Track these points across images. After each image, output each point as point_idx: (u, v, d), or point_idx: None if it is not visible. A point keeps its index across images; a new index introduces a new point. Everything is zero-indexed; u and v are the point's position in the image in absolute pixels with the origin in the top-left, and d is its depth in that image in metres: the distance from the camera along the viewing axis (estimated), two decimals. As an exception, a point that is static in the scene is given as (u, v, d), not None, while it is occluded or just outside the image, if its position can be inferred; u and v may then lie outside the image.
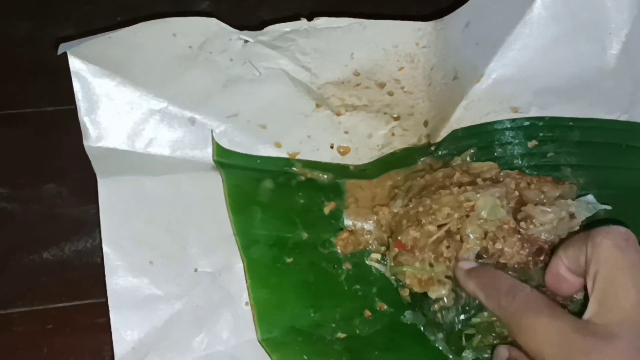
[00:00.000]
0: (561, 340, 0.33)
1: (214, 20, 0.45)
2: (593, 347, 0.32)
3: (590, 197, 0.49)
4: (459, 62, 0.49)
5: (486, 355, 0.45)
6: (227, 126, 0.48)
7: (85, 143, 0.46)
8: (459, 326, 0.46)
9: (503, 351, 0.41)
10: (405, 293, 0.48)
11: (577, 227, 0.46)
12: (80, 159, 0.47)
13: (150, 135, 0.47)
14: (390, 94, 0.49)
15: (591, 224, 0.46)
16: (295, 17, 0.45)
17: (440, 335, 0.47)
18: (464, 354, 0.46)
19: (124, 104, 0.47)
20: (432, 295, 0.46)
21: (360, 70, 0.48)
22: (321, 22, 0.45)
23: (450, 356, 0.46)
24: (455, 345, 0.46)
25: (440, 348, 0.46)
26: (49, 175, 0.53)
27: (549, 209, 0.45)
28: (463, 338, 0.45)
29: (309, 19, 0.45)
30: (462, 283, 0.43)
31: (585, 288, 0.37)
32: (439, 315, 0.47)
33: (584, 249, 0.37)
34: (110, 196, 0.44)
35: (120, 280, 0.43)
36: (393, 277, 0.48)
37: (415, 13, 0.51)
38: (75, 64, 0.45)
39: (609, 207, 0.49)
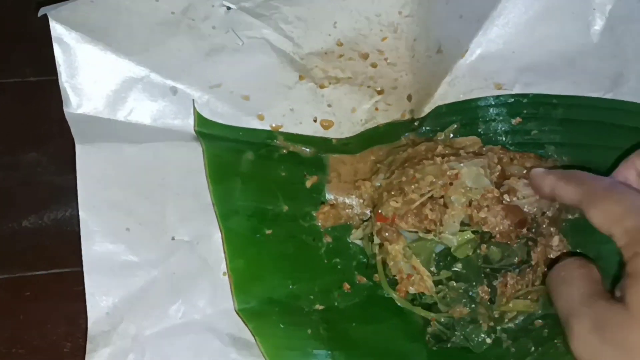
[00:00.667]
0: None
1: None
2: None
3: None
4: (442, 34, 0.49)
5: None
6: (209, 96, 0.48)
7: (65, 109, 0.46)
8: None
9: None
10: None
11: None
12: (62, 129, 0.46)
13: (132, 103, 0.47)
14: (374, 65, 0.49)
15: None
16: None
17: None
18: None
19: (106, 71, 0.47)
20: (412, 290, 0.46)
21: (344, 40, 0.47)
22: (304, -13, 0.45)
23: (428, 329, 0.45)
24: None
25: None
26: (29, 144, 0.52)
27: None
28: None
29: (291, -15, 0.45)
30: (539, 180, 0.43)
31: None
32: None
33: None
34: (88, 161, 0.44)
35: (97, 246, 0.43)
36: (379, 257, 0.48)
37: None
38: (56, 29, 0.45)
39: None
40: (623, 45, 0.50)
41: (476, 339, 0.44)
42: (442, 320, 0.45)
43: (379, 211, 0.47)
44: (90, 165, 0.44)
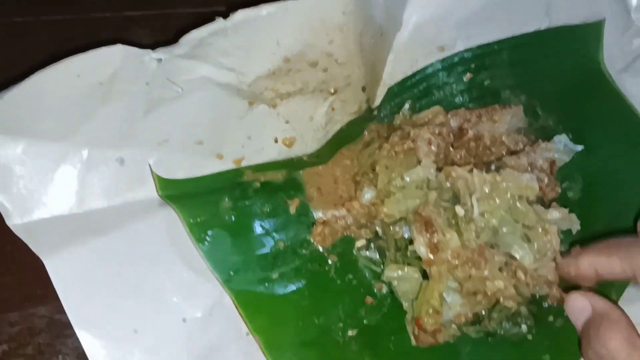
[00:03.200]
0: None
1: (119, 46, 0.40)
2: None
3: (564, 137, 0.50)
4: (381, 17, 0.46)
5: None
6: (159, 154, 0.43)
7: (9, 223, 0.40)
8: None
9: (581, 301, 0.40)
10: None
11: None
12: None
13: (80, 190, 0.42)
14: (325, 70, 0.46)
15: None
16: (210, 16, 0.40)
17: None
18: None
19: (40, 166, 0.41)
20: None
21: (290, 55, 0.44)
22: (239, 16, 0.41)
23: None
24: None
25: None
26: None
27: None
28: None
29: (225, 15, 0.40)
30: (576, 265, 0.41)
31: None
32: None
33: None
34: (64, 276, 0.39)
35: (110, 362, 0.38)
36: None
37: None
38: None
39: (581, 148, 0.49)
40: (547, -26, 0.50)
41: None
42: None
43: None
44: (67, 278, 0.39)
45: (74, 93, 0.40)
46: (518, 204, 0.43)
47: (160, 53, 0.40)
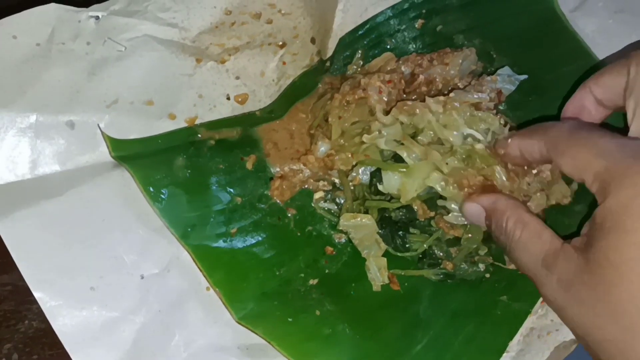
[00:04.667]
0: (607, 157, 0.33)
1: (52, 5, 0.39)
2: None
3: (506, 69, 0.50)
4: (323, -35, 0.46)
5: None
6: (110, 116, 0.43)
7: (-40, 189, 0.40)
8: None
9: (472, 205, 0.41)
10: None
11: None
12: None
13: (31, 156, 0.41)
14: (269, 22, 0.45)
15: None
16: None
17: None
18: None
19: (-11, 133, 0.40)
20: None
21: (231, 7, 0.43)
22: (172, -34, 0.40)
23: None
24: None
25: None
26: None
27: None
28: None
29: (159, -34, 0.40)
30: (505, 147, 0.41)
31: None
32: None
33: (625, 72, 0.37)
34: (17, 236, 0.39)
35: (67, 319, 0.39)
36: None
37: None
38: None
39: (525, 77, 0.49)
40: None
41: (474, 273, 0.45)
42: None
43: None
44: (21, 239, 0.39)
45: (13, 56, 0.39)
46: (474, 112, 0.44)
47: (96, 10, 0.40)
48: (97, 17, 0.40)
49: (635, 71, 0.36)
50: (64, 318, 0.39)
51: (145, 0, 0.41)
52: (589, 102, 0.40)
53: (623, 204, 0.31)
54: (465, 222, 0.42)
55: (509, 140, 0.41)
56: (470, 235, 0.44)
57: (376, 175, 0.45)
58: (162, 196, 0.43)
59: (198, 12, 0.43)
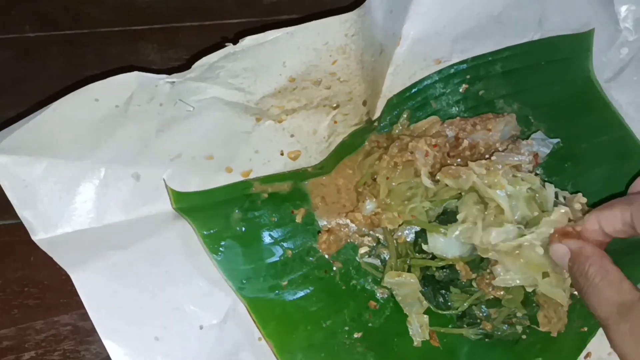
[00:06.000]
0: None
1: (135, 73, 0.42)
2: None
3: (540, 134, 0.52)
4: (381, 35, 0.48)
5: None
6: (173, 169, 0.46)
7: (34, 238, 0.42)
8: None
9: (560, 246, 0.43)
10: None
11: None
12: (61, 82, 0.50)
13: (99, 206, 0.44)
14: (328, 87, 0.48)
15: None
16: (220, 43, 0.42)
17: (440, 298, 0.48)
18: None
19: (61, 184, 0.43)
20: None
21: (295, 75, 0.46)
22: (247, 42, 0.43)
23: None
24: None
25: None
26: (31, 97, 0.52)
27: None
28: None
29: (235, 41, 0.43)
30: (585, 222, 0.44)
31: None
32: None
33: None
34: (89, 288, 0.42)
35: (133, 368, 0.41)
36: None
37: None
38: None
39: (558, 140, 0.52)
40: (540, -11, 0.52)
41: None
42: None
43: None
44: (92, 290, 0.42)
45: (93, 116, 0.42)
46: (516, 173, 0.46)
47: (174, 77, 0.43)
48: (172, 82, 0.43)
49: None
50: None
51: (218, 68, 0.43)
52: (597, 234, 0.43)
53: None
54: (510, 285, 0.45)
55: (587, 215, 0.43)
56: (510, 296, 0.47)
57: (421, 235, 0.48)
58: (220, 249, 0.45)
59: (264, 79, 0.45)
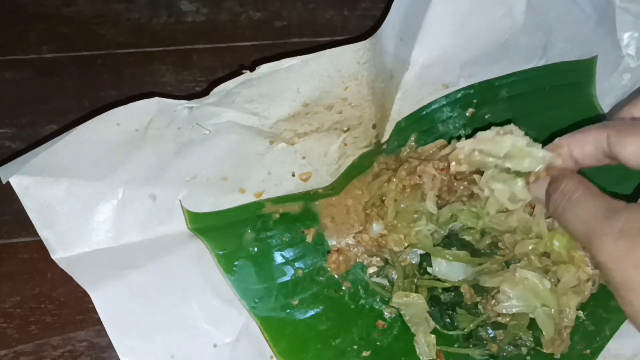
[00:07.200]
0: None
1: (156, 99, 0.43)
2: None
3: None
4: (392, 62, 0.50)
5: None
6: (188, 190, 0.47)
7: (54, 257, 0.44)
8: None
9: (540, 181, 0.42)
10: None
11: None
12: (78, 102, 0.55)
13: (116, 225, 0.46)
14: (339, 112, 0.49)
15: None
16: (237, 71, 0.44)
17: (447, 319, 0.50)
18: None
19: (81, 204, 0.45)
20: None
21: (308, 101, 0.48)
22: (264, 69, 0.44)
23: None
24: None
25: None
26: (49, 116, 0.56)
27: None
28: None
29: (251, 69, 0.44)
30: (560, 146, 0.42)
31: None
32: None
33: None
34: (108, 306, 0.43)
35: (149, 385, 0.43)
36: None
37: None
38: (18, 184, 0.42)
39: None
40: (545, 16, 0.54)
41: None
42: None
43: None
44: (111, 309, 0.43)
45: (113, 139, 0.44)
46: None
47: (193, 103, 0.44)
48: (190, 107, 0.44)
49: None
50: None
51: (235, 94, 0.45)
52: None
53: None
54: (511, 312, 0.46)
55: (557, 139, 0.42)
56: (515, 322, 0.48)
57: (426, 258, 0.50)
58: (234, 268, 0.47)
59: (279, 104, 0.47)
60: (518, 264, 0.48)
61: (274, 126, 0.48)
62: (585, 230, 0.36)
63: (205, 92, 0.44)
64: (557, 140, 0.42)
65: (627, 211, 0.34)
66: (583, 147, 0.39)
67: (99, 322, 0.43)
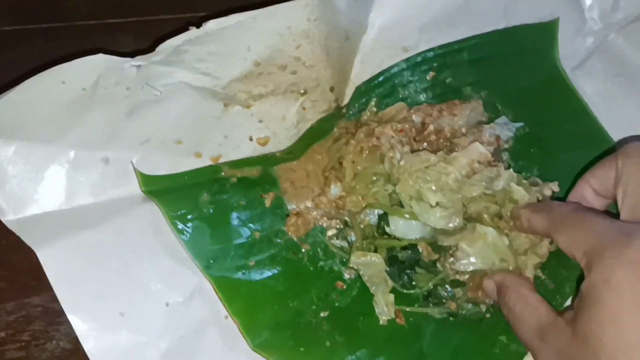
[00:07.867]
0: (596, 236, 0.37)
1: (100, 55, 0.43)
2: (627, 239, 0.35)
3: (503, 118, 0.53)
4: (346, 22, 0.50)
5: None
6: (142, 153, 0.47)
7: (3, 219, 0.43)
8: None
9: (489, 282, 0.46)
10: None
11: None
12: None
13: (68, 188, 0.45)
14: (294, 72, 0.49)
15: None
16: (185, 28, 0.44)
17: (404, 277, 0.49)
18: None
19: (31, 166, 0.44)
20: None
21: (260, 59, 0.47)
22: (211, 25, 0.44)
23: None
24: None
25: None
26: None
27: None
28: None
29: (198, 25, 0.44)
30: (519, 217, 0.46)
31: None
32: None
33: (614, 165, 0.41)
34: (56, 264, 0.43)
35: (97, 342, 0.42)
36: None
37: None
38: None
39: (521, 125, 0.53)
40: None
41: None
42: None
43: None
44: (59, 266, 0.43)
45: (60, 98, 0.43)
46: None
47: (139, 60, 0.44)
48: (138, 66, 0.44)
49: (622, 164, 0.41)
50: (94, 341, 0.42)
51: (183, 52, 0.45)
52: (588, 193, 0.45)
53: (604, 278, 0.34)
54: (469, 270, 0.46)
55: (520, 211, 0.45)
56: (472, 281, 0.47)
57: (384, 218, 0.49)
58: (188, 229, 0.46)
59: (230, 63, 0.47)
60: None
61: (227, 87, 0.47)
62: (527, 346, 0.40)
63: (150, 49, 0.43)
64: (513, 209, 0.46)
65: (554, 332, 0.37)
66: (535, 227, 0.44)
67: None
